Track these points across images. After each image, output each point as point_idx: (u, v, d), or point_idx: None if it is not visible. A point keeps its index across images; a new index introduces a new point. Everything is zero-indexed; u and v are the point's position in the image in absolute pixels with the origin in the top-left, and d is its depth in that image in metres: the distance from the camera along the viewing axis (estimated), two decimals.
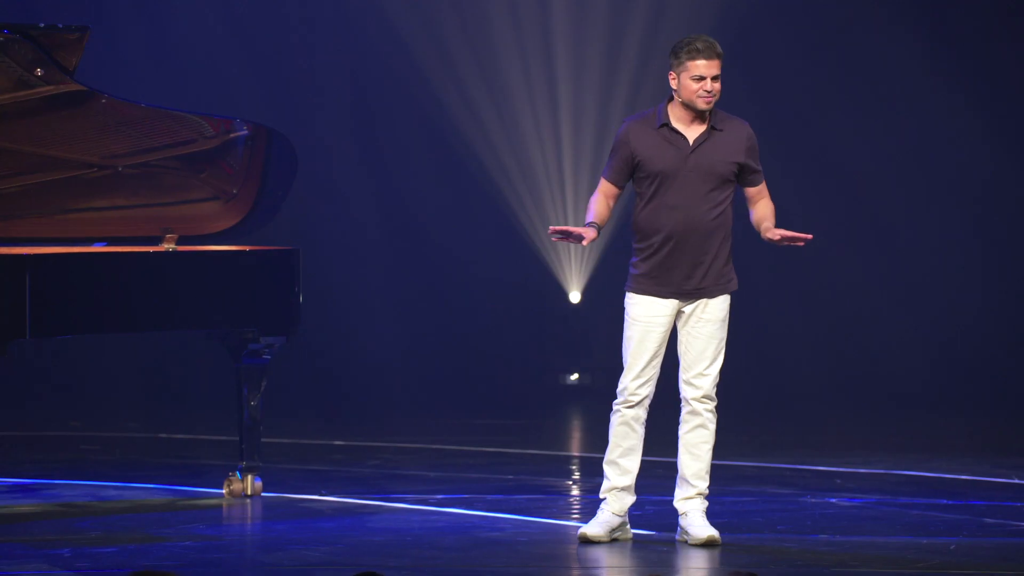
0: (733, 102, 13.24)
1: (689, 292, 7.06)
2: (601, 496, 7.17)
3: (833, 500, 8.37)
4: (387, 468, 9.77)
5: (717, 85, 7.02)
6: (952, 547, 7.04)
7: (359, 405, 13.51)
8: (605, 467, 7.15)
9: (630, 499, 7.15)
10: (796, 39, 14.07)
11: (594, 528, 7.14)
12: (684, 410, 7.11)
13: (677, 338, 7.14)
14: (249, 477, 8.39)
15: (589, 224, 7.07)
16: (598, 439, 12.16)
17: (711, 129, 7.06)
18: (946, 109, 13.86)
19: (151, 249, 8.25)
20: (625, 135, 7.08)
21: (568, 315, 14.33)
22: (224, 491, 8.41)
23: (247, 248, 8.48)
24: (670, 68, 7.05)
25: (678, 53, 7.02)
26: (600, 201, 7.13)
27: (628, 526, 7.20)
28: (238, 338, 8.34)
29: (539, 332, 14.47)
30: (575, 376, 14.45)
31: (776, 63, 14.13)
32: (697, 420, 7.08)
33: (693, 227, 7.01)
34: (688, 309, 7.08)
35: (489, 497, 8.43)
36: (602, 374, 14.24)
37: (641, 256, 7.08)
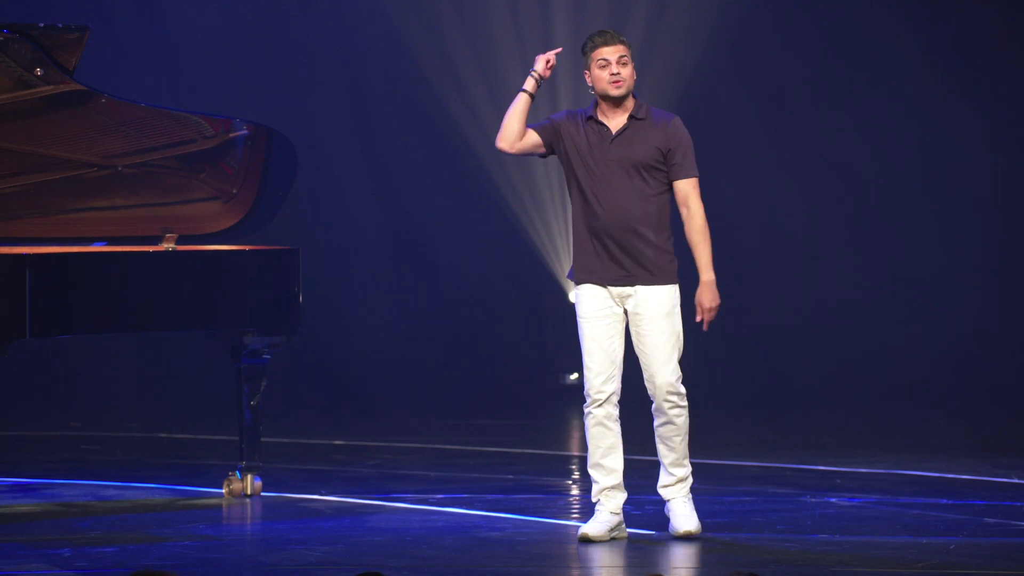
0: (732, 103, 13.25)
1: (620, 280, 7.09)
2: (593, 500, 7.21)
3: (833, 500, 8.36)
4: (387, 468, 9.77)
5: (626, 70, 7.12)
6: (952, 547, 7.04)
7: (359, 405, 13.51)
8: (591, 471, 7.20)
9: (622, 496, 7.20)
10: (795, 40, 14.07)
11: (595, 528, 7.16)
12: (652, 407, 7.18)
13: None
14: (249, 477, 8.39)
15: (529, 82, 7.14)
16: None
17: (631, 119, 7.13)
18: (948, 109, 13.86)
19: (151, 249, 8.25)
20: (560, 115, 7.21)
21: (567, 314, 14.30)
22: (224, 491, 8.41)
23: (247, 248, 8.48)
24: (584, 69, 7.15)
25: (584, 50, 7.17)
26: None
27: (623, 524, 7.23)
28: (238, 338, 8.34)
29: (538, 332, 14.47)
30: (574, 376, 14.45)
31: (776, 64, 14.12)
32: (663, 417, 7.15)
33: (618, 216, 7.06)
34: (630, 305, 7.11)
35: (489, 497, 8.43)
36: None
37: (575, 246, 7.19)
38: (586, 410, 7.16)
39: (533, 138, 7.20)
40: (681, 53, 13.94)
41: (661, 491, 7.22)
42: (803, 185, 14.11)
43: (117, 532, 7.48)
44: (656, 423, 7.17)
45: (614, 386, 7.11)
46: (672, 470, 7.16)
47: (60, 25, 7.79)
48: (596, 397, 7.11)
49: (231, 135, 8.44)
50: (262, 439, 8.46)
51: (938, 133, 13.91)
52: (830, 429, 11.98)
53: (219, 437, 11.01)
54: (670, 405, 7.09)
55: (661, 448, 7.18)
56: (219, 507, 8.22)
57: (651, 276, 7.07)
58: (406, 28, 14.15)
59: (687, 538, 7.08)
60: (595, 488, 7.19)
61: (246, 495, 8.35)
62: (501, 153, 7.26)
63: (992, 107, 13.81)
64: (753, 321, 13.62)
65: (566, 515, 8.05)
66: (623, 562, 6.88)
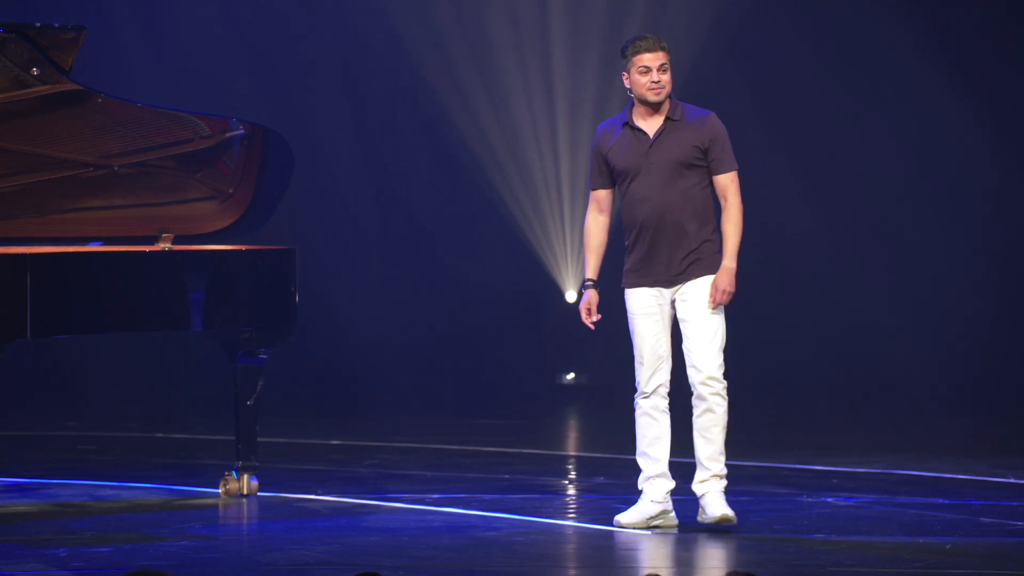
0: (731, 102, 13.24)
1: (671, 279, 7.26)
2: (639, 487, 7.33)
3: (830, 500, 8.36)
4: (384, 468, 9.76)
5: (665, 76, 7.24)
6: (948, 547, 7.04)
7: (356, 404, 13.51)
8: (638, 459, 7.35)
9: (668, 484, 7.31)
10: (795, 41, 14.07)
11: (630, 516, 7.29)
12: (693, 395, 7.27)
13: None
14: (245, 477, 8.38)
15: (585, 284, 7.36)
16: (595, 438, 12.18)
17: (668, 120, 7.26)
18: (950, 109, 13.85)
19: (147, 249, 8.24)
20: (596, 141, 7.37)
21: (564, 314, 14.33)
22: (220, 491, 8.41)
23: (244, 248, 8.47)
24: (622, 70, 7.29)
25: (624, 52, 7.29)
26: (592, 228, 7.38)
27: (671, 513, 7.32)
28: (234, 337, 8.34)
29: (535, 331, 14.47)
30: (571, 375, 14.45)
31: (775, 64, 14.12)
32: (704, 404, 7.24)
33: (664, 217, 7.22)
34: (677, 296, 7.28)
35: (486, 497, 8.43)
36: (598, 373, 14.25)
37: (627, 251, 7.36)
38: (635, 401, 7.32)
39: (603, 194, 7.33)
40: (680, 52, 13.91)
41: (696, 487, 7.28)
42: (803, 185, 14.10)
43: (113, 532, 7.47)
44: (695, 414, 7.27)
45: (660, 379, 7.26)
46: (708, 464, 7.24)
47: (56, 25, 7.78)
48: (644, 390, 7.28)
49: (227, 135, 8.43)
50: (259, 439, 8.45)
51: (939, 133, 13.90)
52: (828, 429, 11.98)
53: (216, 437, 11.01)
54: (711, 391, 7.21)
55: (698, 442, 7.26)
56: (215, 507, 8.22)
57: (697, 269, 7.23)
58: (404, 28, 14.15)
59: (723, 522, 7.13)
60: (640, 476, 7.33)
61: (242, 495, 8.35)
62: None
63: (994, 109, 13.80)
64: (752, 321, 13.61)
65: (563, 515, 8.05)
66: (620, 562, 6.88)
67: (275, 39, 14.20)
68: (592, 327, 7.38)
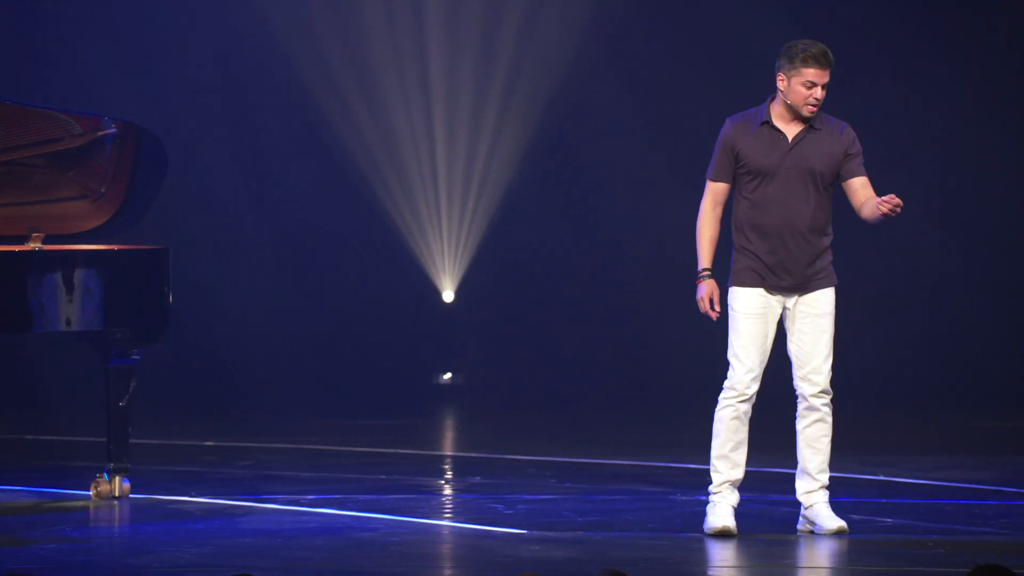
0: (610, 102, 13.21)
1: (793, 287, 7.19)
2: (714, 491, 7.19)
3: (703, 498, 8.43)
4: (258, 469, 9.71)
5: (824, 93, 7.17)
6: (820, 544, 7.13)
7: (230, 405, 13.42)
8: (716, 462, 7.19)
9: (738, 495, 7.22)
10: (675, 38, 14.15)
11: (728, 520, 7.14)
12: (801, 406, 7.25)
13: (786, 337, 7.25)
14: (117, 479, 8.31)
15: (702, 275, 7.20)
16: (471, 438, 12.19)
17: (809, 128, 7.20)
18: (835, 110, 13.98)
19: (16, 248, 8.14)
20: (728, 133, 7.22)
21: (441, 314, 14.33)
22: (91, 493, 8.32)
23: (116, 248, 8.39)
24: (779, 69, 7.16)
25: (792, 57, 7.15)
26: (710, 220, 7.24)
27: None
28: (107, 338, 8.26)
29: (412, 331, 14.46)
30: (448, 375, 14.46)
31: (653, 62, 14.19)
32: (816, 415, 7.22)
33: (795, 222, 7.16)
34: (791, 304, 7.21)
35: (361, 497, 8.41)
36: (474, 374, 14.27)
37: (746, 251, 7.21)
38: (727, 402, 7.19)
39: (725, 187, 7.21)
40: (556, 51, 13.98)
41: (804, 497, 7.24)
42: (685, 186, 14.19)
43: None
44: (802, 425, 7.24)
45: (758, 385, 7.19)
46: (817, 475, 7.23)
47: None
48: (744, 392, 7.17)
49: (100, 133, 8.35)
50: (131, 440, 8.37)
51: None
52: (701, 428, 12.08)
53: (87, 438, 10.88)
54: (823, 403, 7.20)
55: (806, 452, 7.23)
56: (86, 509, 8.13)
57: (818, 282, 7.19)
58: (281, 26, 14.08)
59: (840, 533, 7.11)
60: (716, 479, 7.18)
61: (114, 497, 8.27)
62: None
63: (903, 112, 13.94)
64: (625, 320, 13.69)
65: (439, 515, 8.05)
66: (494, 560, 6.89)
67: (149, 36, 14.07)
68: (715, 318, 7.20)
